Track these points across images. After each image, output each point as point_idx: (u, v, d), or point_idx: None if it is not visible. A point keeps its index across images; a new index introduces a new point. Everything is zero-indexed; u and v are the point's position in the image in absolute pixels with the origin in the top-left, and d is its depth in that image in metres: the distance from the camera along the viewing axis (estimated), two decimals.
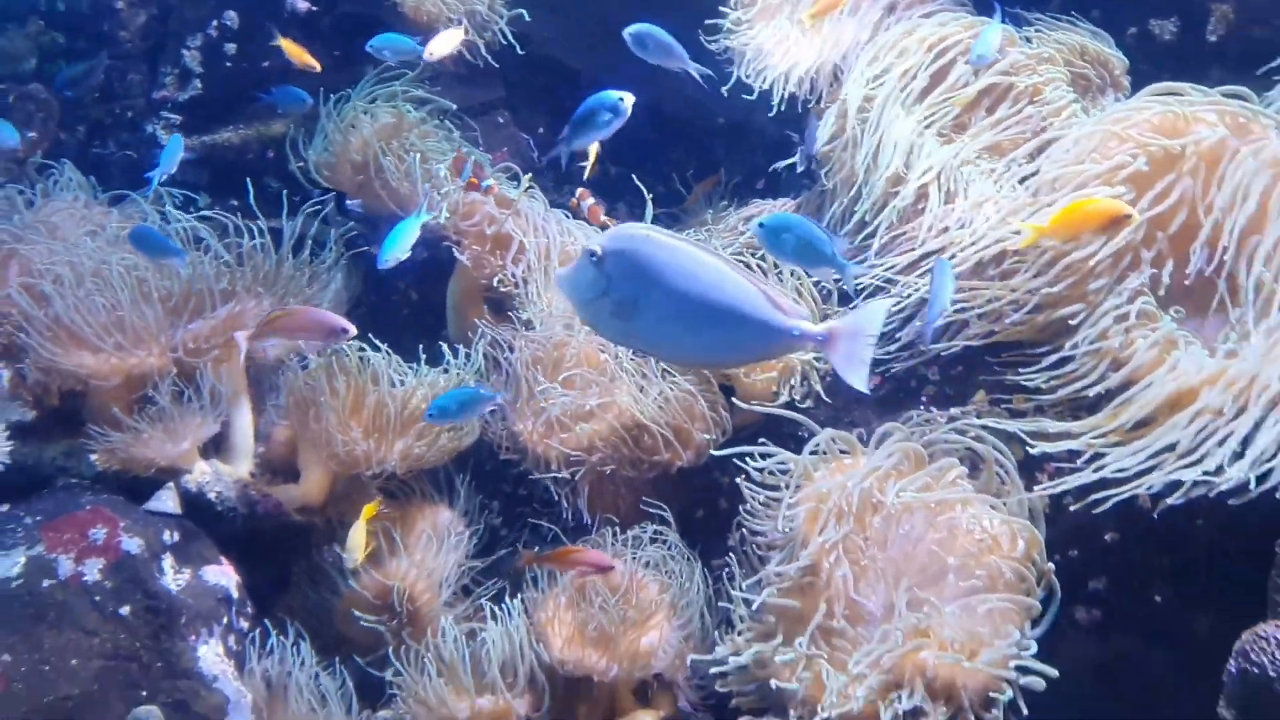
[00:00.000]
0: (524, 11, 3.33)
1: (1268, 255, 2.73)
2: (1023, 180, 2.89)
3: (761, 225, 2.53)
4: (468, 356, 2.97)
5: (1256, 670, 2.48)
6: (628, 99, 2.72)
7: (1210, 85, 2.95)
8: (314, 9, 3.46)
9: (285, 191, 3.10)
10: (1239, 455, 2.42)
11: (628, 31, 2.95)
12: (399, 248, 2.68)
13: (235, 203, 3.45)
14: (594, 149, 3.14)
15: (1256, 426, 2.45)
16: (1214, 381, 2.59)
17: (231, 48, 3.51)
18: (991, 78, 3.02)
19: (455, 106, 3.34)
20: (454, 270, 3.23)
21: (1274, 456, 2.36)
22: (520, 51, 3.35)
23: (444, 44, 3.06)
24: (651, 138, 3.69)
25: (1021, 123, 3.02)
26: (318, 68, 3.16)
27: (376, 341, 2.88)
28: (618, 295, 2.14)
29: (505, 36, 3.33)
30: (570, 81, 3.62)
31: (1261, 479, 2.38)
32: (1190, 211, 2.77)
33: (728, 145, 3.64)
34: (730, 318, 2.16)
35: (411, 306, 3.42)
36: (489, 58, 3.36)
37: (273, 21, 3.45)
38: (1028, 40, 3.10)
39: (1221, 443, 2.50)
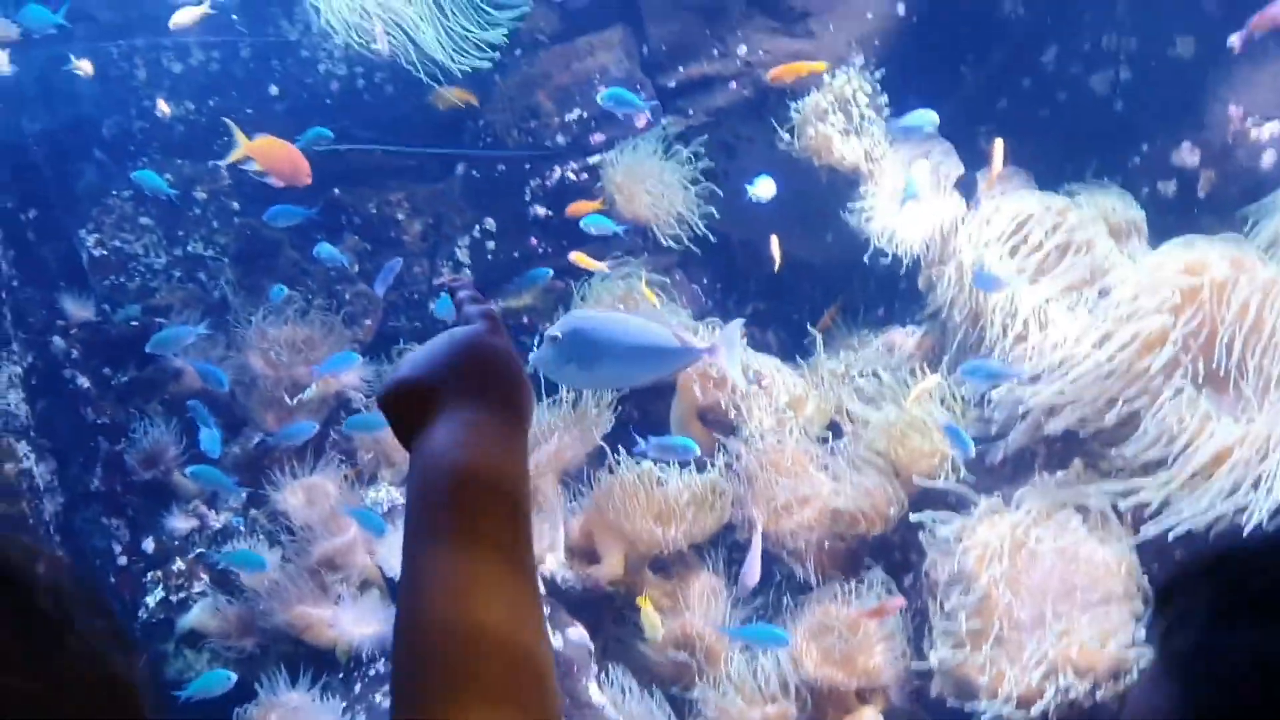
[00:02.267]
0: (714, 210, 4.37)
1: (1264, 350, 3.80)
2: (1090, 310, 3.94)
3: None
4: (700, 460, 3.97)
5: None
6: None
7: (1202, 229, 4.05)
8: (550, 214, 4.46)
9: None
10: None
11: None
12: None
13: None
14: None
15: (1276, 467, 3.51)
16: (1241, 442, 3.66)
17: (491, 244, 4.50)
18: (1059, 236, 4.08)
19: (665, 280, 4.37)
20: (675, 393, 4.22)
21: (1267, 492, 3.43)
22: (700, 233, 4.39)
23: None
24: (788, 279, 4.73)
25: (1082, 267, 4.08)
26: (595, 266, 4.19)
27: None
28: (578, 358, 3.13)
29: (695, 226, 4.37)
30: (725, 246, 4.64)
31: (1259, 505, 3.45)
32: (1211, 325, 3.84)
33: (854, 284, 4.66)
34: (654, 351, 3.20)
35: (634, 421, 4.40)
36: (674, 236, 4.39)
37: (520, 223, 4.46)
38: (1079, 205, 4.17)
39: (1254, 484, 3.56)
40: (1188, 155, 4.26)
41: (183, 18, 4.14)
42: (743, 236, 4.64)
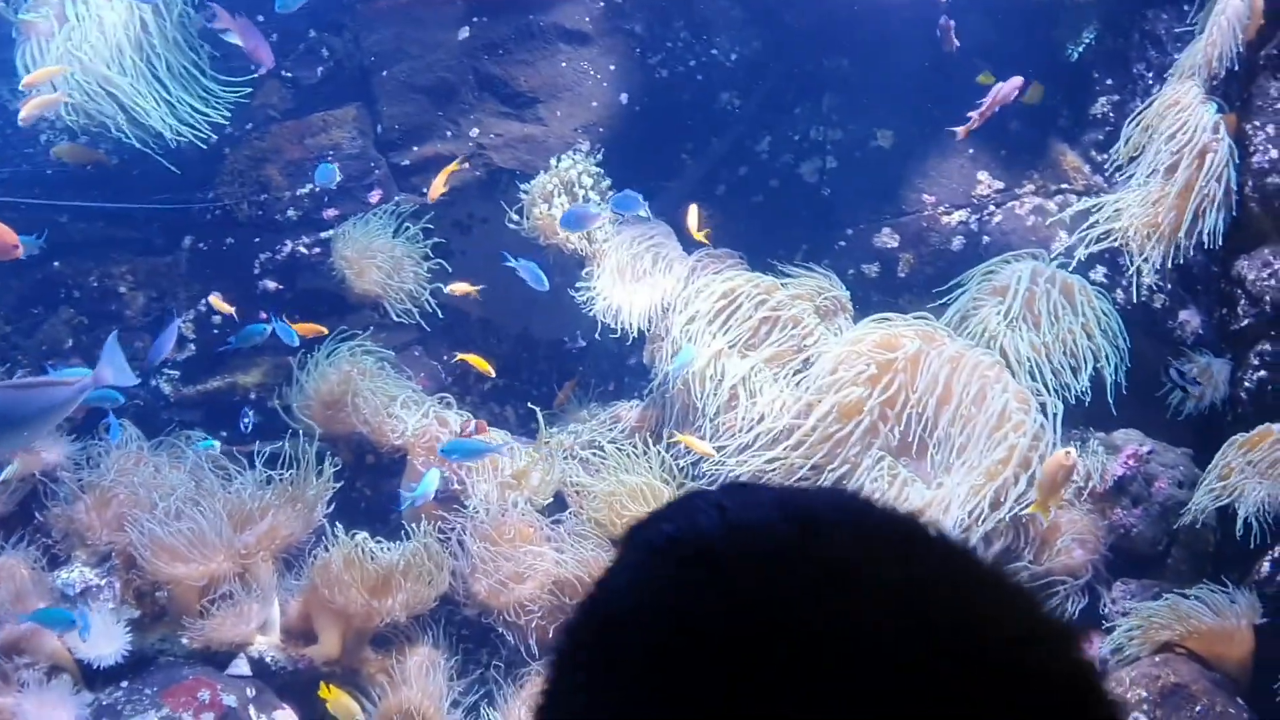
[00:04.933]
0: (441, 285, 4.33)
1: (952, 418, 4.00)
2: (798, 381, 4.08)
3: None
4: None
5: None
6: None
7: (903, 307, 4.26)
8: (280, 287, 4.35)
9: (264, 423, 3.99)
10: None
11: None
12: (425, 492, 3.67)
13: (224, 433, 4.26)
14: None
15: (954, 525, 3.67)
16: (931, 504, 3.82)
17: (218, 319, 4.34)
18: (766, 312, 4.22)
19: (393, 353, 4.31)
20: (405, 467, 4.15)
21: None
22: (433, 310, 4.35)
23: None
24: (525, 356, 4.73)
25: (789, 340, 4.22)
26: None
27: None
28: None
29: (430, 302, 4.33)
30: (462, 323, 4.63)
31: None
32: (905, 395, 4.01)
33: (595, 364, 4.69)
34: (35, 400, 3.24)
35: (366, 499, 4.29)
36: (407, 312, 4.33)
37: (249, 298, 4.31)
38: (787, 284, 4.32)
39: None
40: (888, 239, 4.49)
41: None
42: (481, 314, 4.64)
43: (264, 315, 4.25)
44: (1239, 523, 3.03)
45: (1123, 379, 4.03)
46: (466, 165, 4.34)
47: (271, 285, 4.36)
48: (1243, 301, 3.11)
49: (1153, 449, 4.05)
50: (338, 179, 4.18)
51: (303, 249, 4.37)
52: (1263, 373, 3.05)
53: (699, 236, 4.19)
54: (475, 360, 4.31)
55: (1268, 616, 3.03)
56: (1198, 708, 2.91)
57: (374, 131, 4.51)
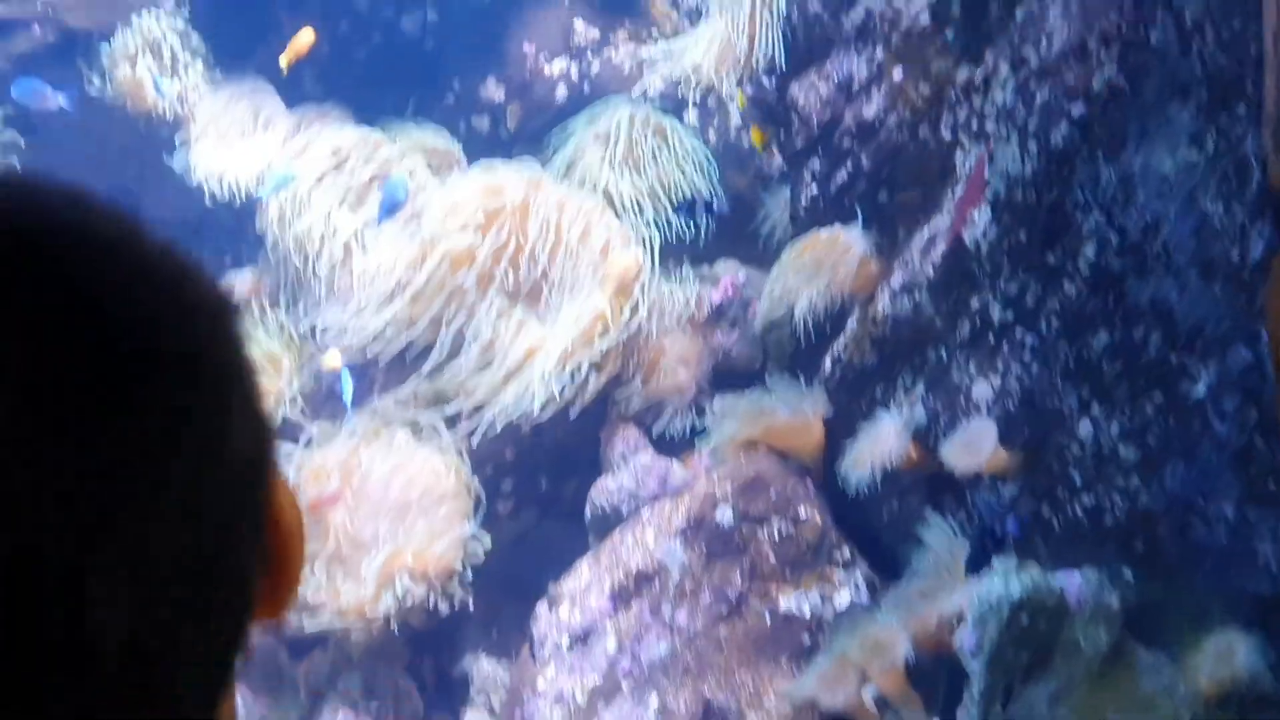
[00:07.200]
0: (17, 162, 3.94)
1: (563, 259, 4.08)
2: (411, 235, 4.03)
3: None
4: None
5: (600, 510, 3.84)
6: None
7: (515, 158, 4.28)
8: None
9: None
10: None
11: None
12: None
13: None
14: None
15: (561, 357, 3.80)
16: (543, 340, 3.91)
17: None
18: (375, 168, 4.12)
19: None
20: None
21: (567, 381, 3.71)
22: None
23: None
24: None
25: None
26: None
27: None
28: None
29: None
30: None
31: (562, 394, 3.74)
32: (516, 241, 4.05)
33: (203, 236, 4.43)
34: None
35: None
36: None
37: None
38: (395, 139, 4.22)
39: (543, 378, 3.82)
40: (494, 91, 4.46)
41: None
42: None
43: None
44: (799, 325, 3.29)
45: (721, 213, 4.24)
46: None
47: None
48: (796, 124, 3.32)
49: (747, 277, 4.31)
50: None
51: None
52: (814, 187, 3.28)
53: (286, 60, 3.97)
54: None
55: (832, 408, 3.32)
56: (773, 491, 3.18)
57: None
